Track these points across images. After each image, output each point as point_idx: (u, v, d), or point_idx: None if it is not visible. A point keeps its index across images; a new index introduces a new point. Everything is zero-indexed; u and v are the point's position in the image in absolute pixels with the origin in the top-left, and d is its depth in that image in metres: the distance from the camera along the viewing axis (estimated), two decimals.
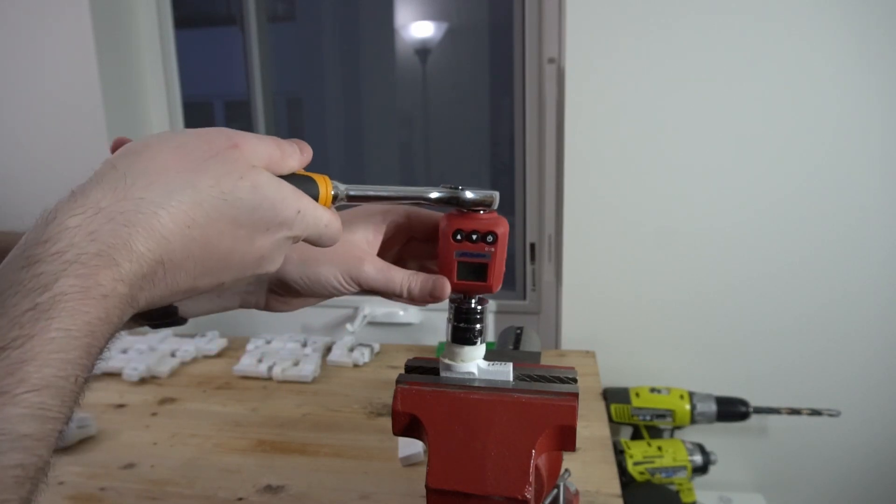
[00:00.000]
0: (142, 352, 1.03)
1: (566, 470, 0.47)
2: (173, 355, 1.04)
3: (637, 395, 0.99)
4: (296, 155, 0.34)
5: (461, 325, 0.41)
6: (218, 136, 0.31)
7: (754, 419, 1.00)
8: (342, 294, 0.41)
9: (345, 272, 0.40)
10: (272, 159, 0.32)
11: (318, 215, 0.34)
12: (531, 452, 0.36)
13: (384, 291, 0.41)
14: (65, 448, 0.75)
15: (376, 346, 1.08)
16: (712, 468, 0.94)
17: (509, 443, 0.37)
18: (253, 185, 0.30)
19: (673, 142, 1.00)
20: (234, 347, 1.10)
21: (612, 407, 0.98)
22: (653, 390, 1.00)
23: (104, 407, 0.87)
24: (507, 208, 1.24)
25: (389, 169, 1.37)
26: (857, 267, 0.99)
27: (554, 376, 0.42)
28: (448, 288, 0.41)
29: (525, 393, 0.39)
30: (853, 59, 0.93)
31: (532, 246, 1.19)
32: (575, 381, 0.41)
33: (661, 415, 0.98)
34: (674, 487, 0.93)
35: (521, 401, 0.38)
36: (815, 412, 0.99)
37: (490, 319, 1.24)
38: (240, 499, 0.65)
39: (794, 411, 1.00)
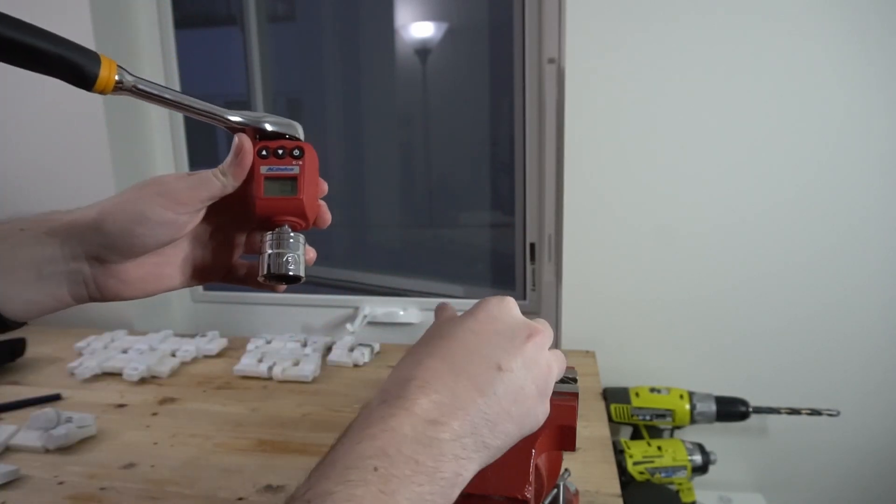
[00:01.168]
0: (142, 352, 1.03)
1: (566, 470, 0.47)
2: (173, 355, 1.04)
3: (637, 394, 0.99)
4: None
5: (271, 251, 0.39)
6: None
7: (754, 419, 1.00)
8: (167, 226, 0.38)
9: (158, 196, 0.37)
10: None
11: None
12: (531, 452, 0.36)
13: (202, 192, 0.39)
14: (65, 448, 0.75)
15: (376, 346, 1.08)
16: (712, 468, 0.94)
17: None
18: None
19: (673, 142, 1.00)
20: (235, 347, 1.10)
21: (612, 407, 0.98)
22: (652, 390, 1.00)
23: (104, 407, 0.87)
24: (507, 208, 1.24)
25: (389, 169, 1.37)
26: (857, 267, 0.99)
27: None
28: (248, 141, 0.39)
29: None
30: (856, 59, 0.93)
31: (532, 246, 1.19)
32: (575, 380, 0.41)
33: (661, 414, 0.98)
34: (674, 487, 0.93)
35: None
36: (815, 412, 0.99)
37: None
38: (240, 499, 0.65)
39: (794, 411, 1.00)
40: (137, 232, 0.37)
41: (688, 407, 0.97)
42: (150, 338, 1.09)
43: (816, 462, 1.08)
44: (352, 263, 1.39)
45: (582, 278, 1.07)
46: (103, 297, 0.39)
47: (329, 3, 1.35)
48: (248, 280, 0.45)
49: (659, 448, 0.94)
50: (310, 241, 0.42)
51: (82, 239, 0.37)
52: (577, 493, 0.55)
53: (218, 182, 0.39)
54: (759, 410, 0.99)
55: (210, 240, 0.44)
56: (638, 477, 0.91)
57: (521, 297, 1.23)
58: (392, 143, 1.36)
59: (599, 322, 1.08)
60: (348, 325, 1.18)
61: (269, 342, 1.08)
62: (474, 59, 1.27)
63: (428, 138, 1.35)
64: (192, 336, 1.11)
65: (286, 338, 1.09)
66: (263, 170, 0.39)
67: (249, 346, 1.06)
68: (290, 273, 0.40)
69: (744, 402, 0.99)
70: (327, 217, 0.43)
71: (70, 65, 0.33)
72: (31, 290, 0.37)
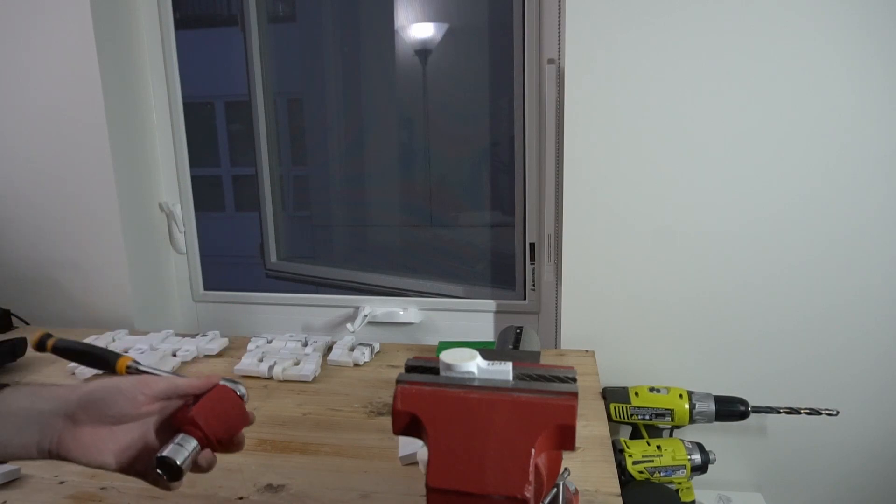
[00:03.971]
0: (143, 351, 1.03)
1: (565, 469, 0.47)
2: (174, 355, 1.04)
3: (636, 394, 0.99)
4: None
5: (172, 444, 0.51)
6: None
7: (753, 418, 1.01)
8: (134, 403, 0.50)
9: (134, 378, 0.52)
10: None
11: None
12: (531, 451, 0.37)
13: (170, 390, 0.52)
14: None
15: (377, 346, 1.08)
16: (711, 467, 0.94)
17: (509, 442, 0.37)
18: None
19: (673, 142, 1.00)
20: (235, 347, 1.10)
21: (612, 406, 0.98)
22: (652, 389, 1.00)
23: None
24: (507, 208, 1.24)
25: (389, 169, 1.38)
26: (857, 268, 0.99)
27: (553, 376, 0.42)
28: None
29: (524, 392, 0.39)
30: (857, 60, 0.93)
31: (532, 246, 1.20)
32: (574, 380, 0.41)
33: (661, 414, 0.98)
34: (673, 486, 0.94)
35: (521, 400, 0.39)
36: (814, 412, 0.99)
37: (490, 319, 1.24)
38: (240, 498, 0.65)
39: (793, 411, 1.00)
40: (112, 398, 0.49)
41: (687, 406, 0.97)
42: (150, 337, 1.09)
43: (815, 461, 1.08)
44: (352, 263, 1.39)
45: (581, 278, 1.07)
46: (58, 453, 0.48)
47: (329, 3, 1.35)
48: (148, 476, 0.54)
49: (658, 447, 0.94)
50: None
51: (68, 398, 0.49)
52: (576, 492, 0.56)
53: (174, 385, 0.53)
54: (758, 410, 0.99)
55: (144, 442, 0.54)
56: (637, 476, 0.92)
57: (521, 296, 1.24)
58: (392, 143, 1.37)
59: (599, 322, 1.08)
60: (349, 325, 1.19)
61: (269, 342, 1.08)
62: (474, 60, 1.27)
63: (428, 138, 1.35)
64: (193, 336, 1.12)
65: (286, 337, 1.09)
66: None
67: (250, 346, 1.06)
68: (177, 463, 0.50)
69: (743, 402, 0.99)
70: (241, 447, 0.59)
71: (104, 360, 0.72)
72: (9, 432, 0.47)
